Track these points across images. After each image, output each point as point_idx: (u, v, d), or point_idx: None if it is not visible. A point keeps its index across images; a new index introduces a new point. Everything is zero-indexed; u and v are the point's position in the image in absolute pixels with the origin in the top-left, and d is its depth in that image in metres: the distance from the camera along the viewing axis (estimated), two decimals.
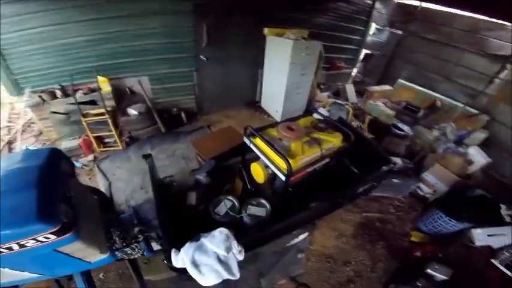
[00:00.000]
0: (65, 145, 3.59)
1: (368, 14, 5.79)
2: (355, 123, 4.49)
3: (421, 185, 3.39)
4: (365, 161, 1.82)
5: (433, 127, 4.32)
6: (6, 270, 1.21)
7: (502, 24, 4.14)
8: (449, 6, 4.83)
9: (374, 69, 6.58)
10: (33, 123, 4.14)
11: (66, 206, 1.23)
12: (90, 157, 3.58)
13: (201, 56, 4.16)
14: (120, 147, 3.67)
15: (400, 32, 5.84)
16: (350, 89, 5.74)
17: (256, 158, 1.58)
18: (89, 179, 3.30)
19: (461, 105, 4.25)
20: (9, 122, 4.58)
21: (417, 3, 5.40)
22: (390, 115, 4.66)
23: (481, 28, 4.43)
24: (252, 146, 1.56)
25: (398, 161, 3.32)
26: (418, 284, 2.15)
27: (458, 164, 3.26)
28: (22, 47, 3.34)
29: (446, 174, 3.20)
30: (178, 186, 1.63)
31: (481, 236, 2.82)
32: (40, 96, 3.41)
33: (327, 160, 1.58)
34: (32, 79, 3.57)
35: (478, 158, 3.43)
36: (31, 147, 3.48)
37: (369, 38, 6.37)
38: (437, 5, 5.07)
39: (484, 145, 3.99)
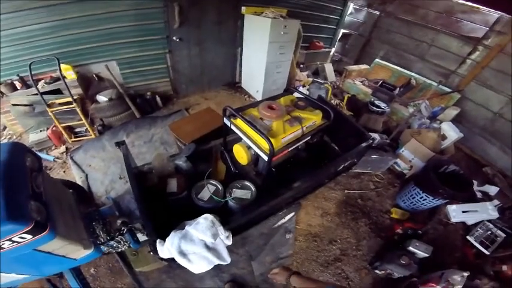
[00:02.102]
0: (32, 138, 3.34)
1: None
2: (334, 102, 4.56)
3: (398, 161, 3.53)
4: (345, 138, 1.85)
5: (408, 104, 4.51)
6: None
7: (475, 7, 4.28)
8: None
9: (352, 48, 6.67)
10: None
11: (37, 203, 1.14)
12: (62, 149, 3.37)
13: (174, 38, 3.96)
14: (93, 136, 3.49)
15: (377, 12, 5.88)
16: (329, 68, 5.83)
17: (238, 139, 1.54)
18: (64, 172, 3.13)
19: (434, 83, 4.41)
20: None
21: None
22: (368, 93, 4.79)
23: (456, 11, 4.56)
24: (232, 127, 1.51)
25: (376, 136, 3.42)
26: (402, 261, 2.23)
27: (432, 138, 3.40)
28: None
29: (421, 150, 3.33)
30: (158, 174, 1.56)
31: (455, 213, 2.93)
32: None
33: (308, 138, 1.58)
34: None
35: (451, 133, 3.60)
36: None
37: (347, 18, 6.38)
38: None
39: (456, 121, 4.22)
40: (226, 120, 1.54)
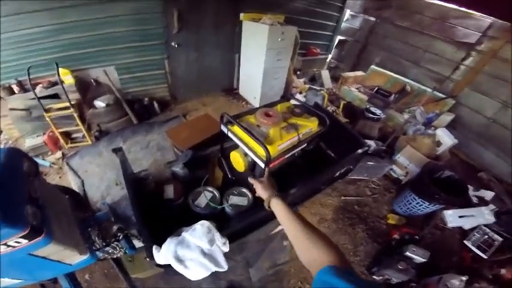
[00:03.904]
0: (28, 143, 3.34)
1: (343, 0, 5.83)
2: (330, 108, 4.61)
3: (394, 167, 3.56)
4: (341, 144, 1.86)
5: (403, 110, 4.57)
6: None
7: (469, 13, 4.36)
8: None
9: (348, 55, 6.75)
10: None
11: (33, 207, 1.15)
12: (58, 154, 3.37)
13: (172, 43, 4.00)
14: (90, 142, 3.49)
15: (373, 18, 5.97)
16: (325, 75, 5.90)
17: (235, 146, 1.55)
18: (60, 177, 3.12)
19: (429, 89, 4.47)
20: None
21: None
22: (363, 100, 4.86)
23: (450, 16, 4.64)
24: (230, 134, 1.52)
25: (372, 143, 3.46)
26: (400, 267, 2.24)
27: (427, 145, 3.45)
28: None
29: (416, 156, 3.36)
30: (155, 180, 1.56)
31: (452, 218, 2.97)
32: None
33: (305, 145, 1.59)
34: None
35: (446, 139, 3.64)
36: None
37: (343, 24, 6.46)
38: None
39: (451, 126, 4.29)
40: (223, 127, 1.55)
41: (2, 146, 3.49)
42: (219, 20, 4.28)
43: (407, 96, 4.86)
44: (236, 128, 1.44)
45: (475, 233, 2.81)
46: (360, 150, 1.76)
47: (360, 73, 5.83)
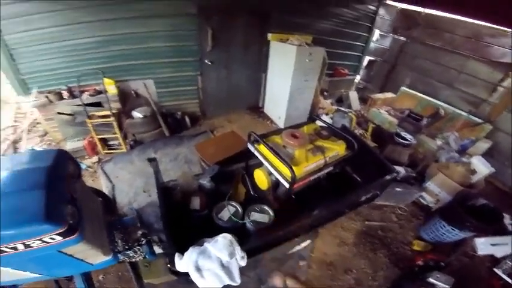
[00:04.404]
0: (69, 146, 3.63)
1: (371, 20, 5.75)
2: (358, 131, 4.50)
3: (424, 194, 3.38)
4: (368, 169, 1.83)
5: (436, 136, 4.32)
6: (8, 269, 1.22)
7: (504, 31, 4.14)
8: (451, 13, 4.84)
9: (377, 76, 6.57)
10: (38, 123, 4.19)
11: (73, 207, 1.24)
12: (94, 159, 3.62)
13: (206, 60, 4.21)
14: (124, 150, 3.71)
15: (403, 38, 5.84)
16: (353, 96, 5.76)
17: (260, 165, 1.59)
18: (92, 180, 3.33)
19: (464, 113, 4.23)
20: (15, 121, 4.62)
21: (420, 10, 5.38)
22: (393, 123, 4.66)
23: (484, 34, 4.42)
24: (256, 153, 1.57)
25: (401, 170, 3.33)
26: None
27: (461, 173, 3.26)
28: (31, 46, 3.39)
29: (449, 184, 3.20)
30: (182, 190, 1.64)
31: (483, 245, 2.83)
32: (47, 97, 3.45)
33: (330, 168, 1.59)
34: (39, 79, 3.61)
35: (482, 168, 3.42)
36: (36, 148, 3.51)
37: (372, 45, 6.33)
38: (440, 12, 5.08)
39: (488, 154, 3.99)
40: (250, 146, 1.60)
41: (45, 147, 3.81)
42: (248, 40, 4.44)
43: (440, 120, 4.58)
44: (262, 147, 1.49)
45: (508, 261, 2.67)
46: (387, 177, 1.73)
47: (389, 95, 5.64)
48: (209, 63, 4.25)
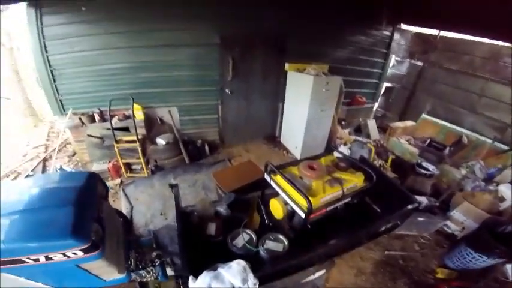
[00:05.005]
0: (95, 167, 3.82)
1: (387, 45, 5.68)
2: (377, 162, 4.39)
3: (448, 223, 3.26)
4: (388, 200, 1.81)
5: (460, 165, 4.12)
6: (20, 279, 1.27)
7: None
8: (467, 34, 4.77)
9: (396, 103, 6.41)
10: (69, 143, 4.47)
11: (98, 225, 1.33)
12: (117, 181, 3.76)
13: (226, 90, 4.39)
14: (146, 175, 3.84)
15: (420, 63, 5.74)
16: (372, 125, 5.63)
17: (275, 194, 1.62)
18: (113, 201, 3.44)
19: (489, 140, 4.02)
20: (47, 140, 5.00)
21: (435, 32, 5.33)
22: (414, 153, 4.50)
23: (502, 55, 4.31)
24: (272, 183, 1.61)
25: (423, 200, 3.23)
26: None
27: (488, 201, 3.14)
28: (69, 68, 3.70)
29: (475, 212, 3.07)
30: (199, 216, 1.69)
31: None
32: (80, 119, 3.71)
33: (348, 199, 1.60)
34: (74, 101, 3.89)
35: (510, 194, 3.25)
36: (64, 167, 3.73)
37: (389, 71, 6.20)
38: (455, 33, 5.01)
39: None
40: (266, 176, 1.65)
41: (72, 167, 4.02)
42: (266, 70, 4.59)
43: (464, 149, 4.35)
44: (279, 178, 1.54)
45: None
46: (408, 207, 1.72)
47: (409, 123, 5.47)
48: (229, 92, 4.43)
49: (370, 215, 1.78)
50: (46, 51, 3.56)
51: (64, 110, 3.92)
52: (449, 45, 5.18)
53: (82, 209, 1.29)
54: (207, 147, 4.50)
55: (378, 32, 5.38)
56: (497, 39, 4.33)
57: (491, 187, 3.56)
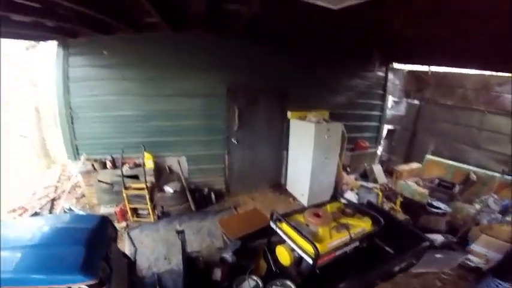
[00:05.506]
0: (103, 210, 3.87)
1: (383, 87, 5.78)
2: (387, 205, 4.30)
3: (470, 256, 3.12)
4: (399, 240, 1.82)
5: (473, 201, 4.05)
6: None
7: (509, 77, 4.05)
8: (454, 66, 4.87)
9: (399, 145, 6.38)
10: (78, 186, 4.54)
11: (106, 264, 1.39)
12: (123, 224, 3.76)
13: (232, 139, 4.55)
14: (152, 220, 3.85)
15: (416, 101, 5.79)
16: (378, 169, 5.62)
17: (282, 241, 1.63)
18: (118, 243, 3.38)
19: (497, 174, 3.96)
20: (58, 181, 5.09)
21: (426, 69, 5.44)
22: (424, 194, 4.44)
23: (492, 84, 4.36)
24: (278, 231, 1.64)
25: (438, 237, 3.21)
26: None
27: (507, 231, 3.05)
28: (87, 112, 3.94)
29: (497, 243, 2.98)
30: (204, 262, 1.69)
31: None
32: (92, 165, 3.87)
33: (357, 243, 1.60)
34: (88, 146, 4.07)
35: None
36: (73, 207, 3.78)
37: (388, 112, 6.25)
38: (443, 67, 5.14)
39: None
40: (272, 224, 1.69)
41: (80, 208, 3.97)
42: (270, 118, 4.78)
43: (473, 185, 4.30)
44: (285, 225, 1.58)
45: None
46: (423, 244, 1.75)
47: (415, 165, 5.43)
48: (235, 142, 4.59)
49: (382, 256, 1.77)
50: (68, 92, 3.85)
51: (78, 155, 4.08)
52: (441, 79, 5.28)
53: (92, 248, 1.38)
54: (213, 195, 4.52)
55: (373, 74, 5.57)
56: (484, 69, 4.44)
57: (508, 218, 3.51)
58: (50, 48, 3.88)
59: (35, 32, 3.21)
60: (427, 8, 2.25)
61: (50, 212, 3.95)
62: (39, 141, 6.23)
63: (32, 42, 4.65)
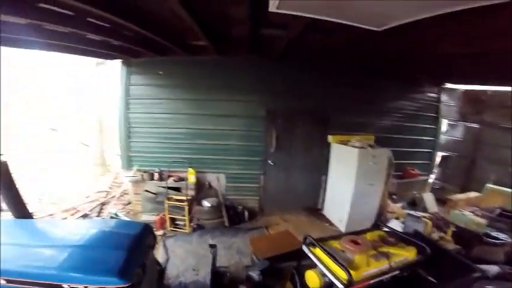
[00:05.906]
0: (144, 218, 4.17)
1: (436, 109, 5.30)
2: (436, 235, 3.81)
3: None
4: (446, 270, 1.71)
5: None
6: None
7: None
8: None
9: (454, 173, 5.66)
10: (126, 193, 4.95)
11: (140, 270, 1.46)
12: (160, 232, 3.94)
13: (269, 161, 4.62)
14: (187, 231, 4.00)
15: (475, 125, 5.13)
16: (428, 198, 5.04)
17: (312, 266, 1.57)
18: None
19: None
20: (109, 188, 5.61)
21: (486, 88, 4.79)
22: (481, 223, 3.97)
23: None
24: (310, 255, 1.60)
25: (493, 268, 2.89)
26: None
27: None
28: (142, 128, 4.39)
29: None
30: (231, 277, 1.70)
31: None
32: (142, 175, 4.28)
33: (397, 272, 1.49)
34: (140, 159, 4.52)
35: None
36: (119, 213, 4.14)
37: (442, 137, 5.63)
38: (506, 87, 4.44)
39: None
40: (304, 247, 1.65)
41: (125, 213, 4.35)
42: (308, 142, 4.74)
43: None
44: (318, 250, 1.54)
45: None
46: (471, 275, 1.66)
47: (473, 194, 4.81)
48: (272, 163, 4.64)
49: (423, 285, 1.68)
50: (128, 108, 4.36)
51: (131, 166, 4.53)
52: (503, 100, 4.61)
53: (132, 254, 1.47)
54: (246, 213, 4.55)
55: (423, 95, 5.17)
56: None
57: None
58: (115, 65, 4.46)
59: (103, 50, 3.60)
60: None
61: (98, 215, 4.36)
62: (99, 150, 7.05)
63: (101, 60, 5.27)
